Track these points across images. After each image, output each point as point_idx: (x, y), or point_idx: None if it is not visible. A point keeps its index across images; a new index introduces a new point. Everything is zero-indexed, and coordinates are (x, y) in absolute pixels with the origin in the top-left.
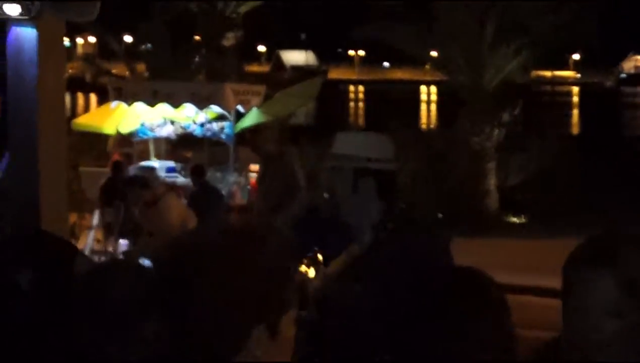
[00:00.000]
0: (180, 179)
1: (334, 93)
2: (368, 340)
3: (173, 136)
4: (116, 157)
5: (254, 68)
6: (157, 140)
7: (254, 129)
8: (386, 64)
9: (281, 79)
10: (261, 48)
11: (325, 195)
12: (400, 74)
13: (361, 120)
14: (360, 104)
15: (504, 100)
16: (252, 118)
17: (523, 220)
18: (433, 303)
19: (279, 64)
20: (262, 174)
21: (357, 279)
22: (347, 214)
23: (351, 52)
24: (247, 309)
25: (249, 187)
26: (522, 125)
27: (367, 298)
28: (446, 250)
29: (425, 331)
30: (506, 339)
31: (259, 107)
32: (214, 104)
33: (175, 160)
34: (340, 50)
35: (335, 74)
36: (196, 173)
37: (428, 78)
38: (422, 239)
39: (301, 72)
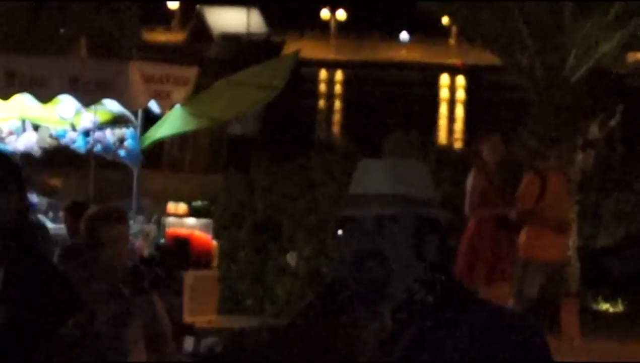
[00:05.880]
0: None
1: (294, 82)
2: None
3: (36, 151)
4: None
5: (159, 36)
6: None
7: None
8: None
9: (204, 54)
10: (172, 4)
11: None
12: (406, 53)
13: (337, 129)
14: (337, 102)
15: (592, 102)
16: (174, 123)
17: (621, 308)
18: None
19: (201, 30)
20: None
21: None
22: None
23: (324, 14)
24: None
25: (162, 240)
26: (621, 144)
27: None
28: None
29: None
30: None
31: (185, 104)
32: (110, 97)
33: (38, 193)
34: (305, 9)
35: (296, 48)
36: (76, 215)
37: (452, 61)
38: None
39: (238, 44)
